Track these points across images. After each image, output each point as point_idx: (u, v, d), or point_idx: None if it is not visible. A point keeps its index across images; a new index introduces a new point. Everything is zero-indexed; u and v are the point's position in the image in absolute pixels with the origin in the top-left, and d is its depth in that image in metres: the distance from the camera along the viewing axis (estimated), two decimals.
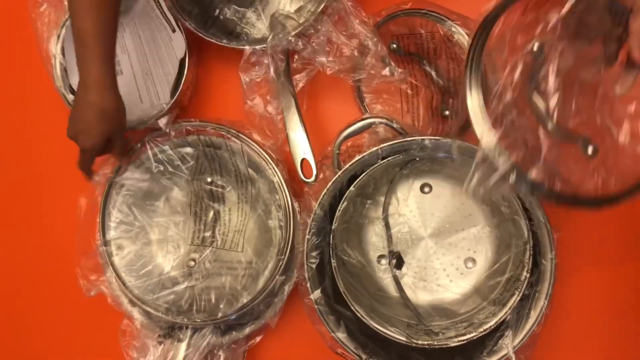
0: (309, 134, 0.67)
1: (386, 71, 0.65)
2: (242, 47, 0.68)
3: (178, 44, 0.71)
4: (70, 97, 0.72)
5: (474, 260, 0.68)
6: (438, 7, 0.68)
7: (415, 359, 0.62)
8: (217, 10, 0.76)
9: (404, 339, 0.61)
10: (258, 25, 0.75)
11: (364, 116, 0.65)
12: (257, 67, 0.68)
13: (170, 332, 0.68)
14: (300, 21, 0.67)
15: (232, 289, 0.71)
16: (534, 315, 0.60)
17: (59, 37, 0.72)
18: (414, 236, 0.69)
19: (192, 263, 0.73)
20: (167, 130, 0.69)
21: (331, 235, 0.63)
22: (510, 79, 0.51)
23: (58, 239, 0.78)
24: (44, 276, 0.79)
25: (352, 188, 0.63)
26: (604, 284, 0.71)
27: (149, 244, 0.73)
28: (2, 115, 0.82)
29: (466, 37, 0.65)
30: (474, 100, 0.54)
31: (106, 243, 0.70)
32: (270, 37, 0.65)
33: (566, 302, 0.69)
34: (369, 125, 0.64)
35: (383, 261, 0.69)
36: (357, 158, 0.61)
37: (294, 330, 0.73)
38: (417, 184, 0.70)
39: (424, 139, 0.60)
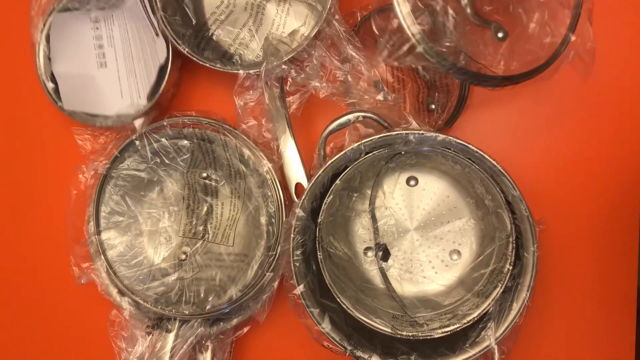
0: (304, 155, 0.69)
1: (380, 96, 0.67)
2: (236, 71, 0.68)
3: (161, 49, 0.71)
4: (51, 85, 0.72)
5: (458, 253, 0.69)
6: None
7: (399, 350, 0.63)
8: (210, 31, 0.75)
9: (389, 330, 0.61)
10: (251, 46, 0.75)
11: (349, 110, 0.65)
12: (251, 91, 0.68)
13: (159, 323, 0.69)
14: (293, 46, 0.67)
15: (221, 282, 0.71)
16: (516, 307, 0.61)
17: (44, 24, 0.72)
18: (400, 229, 0.70)
19: (183, 256, 0.73)
20: (164, 123, 0.69)
21: (317, 229, 0.64)
22: None
23: (49, 226, 0.78)
24: (34, 263, 0.79)
25: (337, 182, 0.64)
26: (586, 276, 0.72)
27: (140, 235, 0.74)
28: None
29: None
30: None
31: (99, 232, 0.70)
32: (264, 64, 0.66)
33: (549, 294, 0.70)
34: (355, 119, 0.64)
35: (369, 253, 0.70)
36: (339, 155, 0.62)
37: (281, 321, 0.74)
38: (403, 177, 0.70)
39: (408, 134, 0.61)
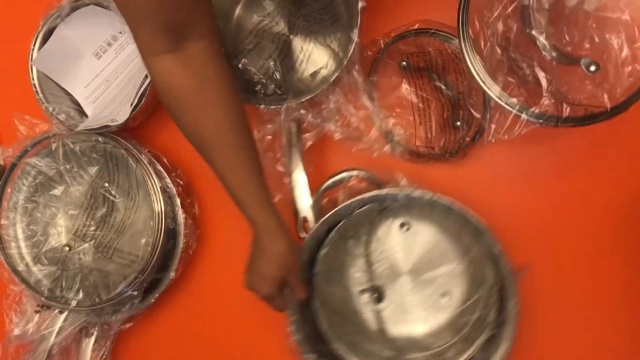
0: (313, 189, 0.72)
1: (387, 148, 0.70)
2: (257, 105, 0.71)
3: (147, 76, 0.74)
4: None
5: (448, 297, 0.72)
6: (445, 26, 0.71)
7: None
8: (238, 59, 0.77)
9: None
10: (275, 76, 0.76)
11: (343, 169, 0.69)
12: (269, 125, 0.72)
13: (51, 299, 0.74)
14: (315, 92, 0.69)
15: (113, 278, 0.75)
16: (498, 355, 0.64)
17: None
18: (394, 272, 0.73)
19: (67, 249, 0.77)
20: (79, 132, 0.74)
21: (313, 279, 0.67)
22: (504, 25, 0.60)
23: None
24: None
25: (333, 233, 0.67)
26: (570, 324, 0.73)
27: (37, 222, 0.77)
28: None
29: None
30: (473, 61, 0.62)
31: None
32: (285, 106, 0.69)
33: (532, 340, 0.72)
34: (349, 177, 0.68)
35: (365, 295, 0.73)
36: (331, 212, 0.66)
37: (164, 322, 0.80)
38: (397, 222, 0.73)
39: (397, 194, 0.64)
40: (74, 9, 0.76)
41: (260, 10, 0.78)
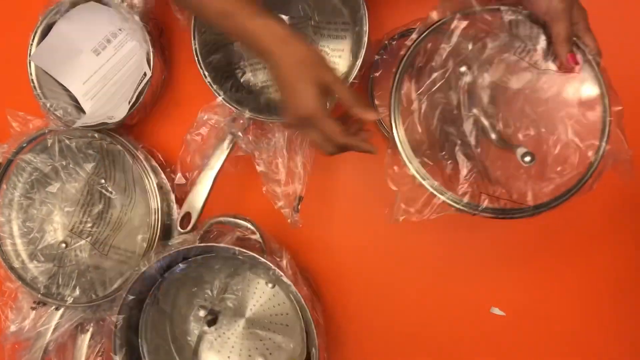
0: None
1: (289, 214, 0.69)
2: (217, 93, 0.70)
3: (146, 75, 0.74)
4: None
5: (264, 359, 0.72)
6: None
7: None
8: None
9: None
10: (252, 77, 0.76)
11: (240, 216, 0.68)
12: (216, 116, 0.71)
13: (47, 296, 0.74)
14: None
15: (110, 274, 0.75)
16: None
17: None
18: (237, 310, 0.73)
19: (63, 245, 0.77)
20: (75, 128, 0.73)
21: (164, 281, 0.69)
22: (440, 99, 0.56)
23: None
24: None
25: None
26: None
27: (33, 219, 0.78)
28: None
29: None
30: (398, 131, 0.57)
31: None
32: (246, 113, 0.69)
33: None
34: (242, 226, 0.67)
35: (202, 312, 0.72)
36: (211, 243, 0.66)
37: None
38: (265, 280, 0.72)
39: (269, 268, 0.63)
40: (73, 5, 0.75)
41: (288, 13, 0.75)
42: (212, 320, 0.72)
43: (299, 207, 0.68)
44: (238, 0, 0.52)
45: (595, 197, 0.55)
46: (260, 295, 0.72)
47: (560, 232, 0.73)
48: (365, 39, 0.67)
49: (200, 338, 0.73)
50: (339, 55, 0.74)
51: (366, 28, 0.67)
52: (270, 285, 0.71)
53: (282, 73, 0.52)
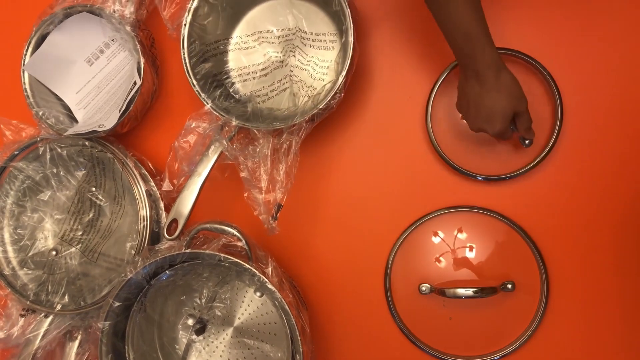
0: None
1: (264, 217, 0.69)
2: (205, 101, 0.71)
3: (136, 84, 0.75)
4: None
5: None
6: None
7: None
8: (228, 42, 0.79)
9: None
10: (242, 85, 0.77)
11: (226, 223, 0.69)
12: (204, 123, 0.72)
13: (37, 303, 0.74)
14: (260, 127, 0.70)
15: (99, 282, 0.76)
16: None
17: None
18: (226, 319, 0.73)
19: (54, 253, 0.77)
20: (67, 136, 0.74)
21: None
22: None
23: None
24: None
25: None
26: None
27: (24, 227, 0.78)
28: None
29: None
30: None
31: None
32: (233, 120, 0.70)
33: None
34: (228, 232, 0.68)
35: (190, 320, 0.72)
36: (199, 250, 0.66)
37: None
38: (252, 288, 0.72)
39: (254, 275, 0.64)
40: (66, 16, 0.77)
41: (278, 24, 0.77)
42: (200, 329, 0.72)
43: (278, 215, 0.68)
44: (481, 28, 0.59)
45: None
46: (249, 304, 0.72)
47: None
48: (351, 50, 0.68)
49: (188, 346, 0.73)
50: (327, 67, 0.75)
51: (352, 39, 0.68)
52: (258, 294, 0.71)
53: (489, 97, 0.62)
